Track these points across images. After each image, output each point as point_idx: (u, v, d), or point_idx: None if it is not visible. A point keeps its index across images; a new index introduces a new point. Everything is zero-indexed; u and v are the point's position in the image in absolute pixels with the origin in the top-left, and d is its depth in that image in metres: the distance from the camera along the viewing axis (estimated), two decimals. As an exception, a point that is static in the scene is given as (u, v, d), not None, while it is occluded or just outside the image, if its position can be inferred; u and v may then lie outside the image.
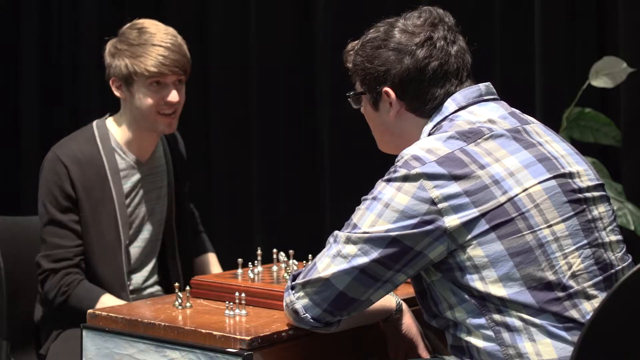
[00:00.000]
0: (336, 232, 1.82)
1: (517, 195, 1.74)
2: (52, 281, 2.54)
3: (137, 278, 2.70)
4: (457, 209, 1.73)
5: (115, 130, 2.66)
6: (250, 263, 2.25)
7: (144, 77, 2.55)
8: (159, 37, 2.57)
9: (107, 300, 2.51)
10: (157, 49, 2.55)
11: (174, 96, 2.58)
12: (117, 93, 2.63)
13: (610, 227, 1.83)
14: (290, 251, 2.32)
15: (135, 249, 2.68)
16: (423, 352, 2.03)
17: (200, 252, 2.93)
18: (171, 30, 2.63)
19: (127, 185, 2.65)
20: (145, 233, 2.70)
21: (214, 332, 1.87)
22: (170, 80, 2.58)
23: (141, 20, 2.65)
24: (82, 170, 2.58)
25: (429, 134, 1.87)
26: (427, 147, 1.79)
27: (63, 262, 2.55)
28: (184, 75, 2.61)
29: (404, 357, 2.04)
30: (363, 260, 1.76)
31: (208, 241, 2.97)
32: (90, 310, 2.07)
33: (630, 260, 1.87)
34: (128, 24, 2.65)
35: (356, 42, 2.00)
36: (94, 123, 2.68)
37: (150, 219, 2.70)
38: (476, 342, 1.75)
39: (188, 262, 2.82)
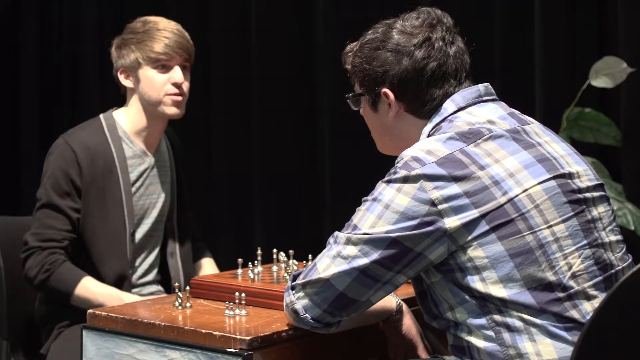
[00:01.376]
0: (336, 232, 1.82)
1: (517, 196, 1.74)
2: (36, 259, 2.56)
3: (137, 271, 2.71)
4: (457, 210, 1.73)
5: (122, 120, 2.70)
6: (250, 263, 2.25)
7: (150, 60, 2.62)
8: (162, 25, 2.66)
9: (89, 283, 2.53)
10: (162, 32, 2.64)
11: (179, 77, 2.64)
12: (125, 83, 2.68)
13: (610, 227, 1.83)
14: (290, 251, 2.32)
15: (138, 241, 2.68)
16: (423, 353, 2.03)
17: (197, 257, 2.92)
18: (174, 22, 2.71)
19: (133, 174, 2.68)
20: (147, 224, 2.71)
21: (214, 332, 1.87)
22: (175, 62, 2.64)
23: (145, 17, 2.72)
24: (90, 157, 2.61)
25: (429, 135, 1.87)
26: (427, 148, 1.79)
27: (50, 242, 2.57)
28: (189, 60, 2.68)
29: (404, 358, 2.04)
30: (363, 261, 1.76)
31: (206, 248, 2.97)
32: (90, 310, 2.07)
33: (630, 260, 1.87)
34: (132, 21, 2.72)
35: (355, 43, 2.00)
36: (101, 115, 2.72)
37: (152, 211, 2.72)
38: (477, 342, 1.75)
39: (188, 260, 2.82)
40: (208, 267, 2.90)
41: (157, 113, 2.67)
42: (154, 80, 2.64)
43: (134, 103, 2.69)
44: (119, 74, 2.68)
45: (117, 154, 2.65)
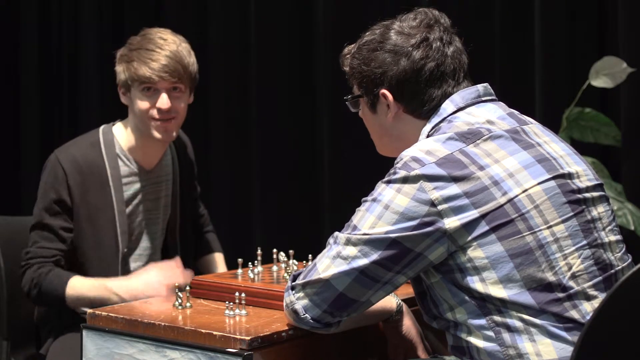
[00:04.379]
0: (336, 233, 1.82)
1: (516, 196, 1.74)
2: (27, 275, 2.53)
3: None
4: (457, 211, 1.73)
5: (120, 136, 2.65)
6: (250, 263, 2.25)
7: (136, 82, 2.54)
8: (157, 43, 2.55)
9: (75, 282, 2.50)
10: (152, 54, 2.53)
11: (162, 102, 2.54)
12: (122, 100, 2.62)
13: (609, 227, 1.83)
14: (290, 251, 2.32)
15: (135, 257, 2.66)
16: (422, 353, 2.03)
17: (206, 251, 2.92)
18: (173, 37, 2.59)
19: (128, 193, 2.63)
20: (146, 242, 2.68)
21: (214, 332, 1.87)
22: (161, 86, 2.54)
23: (150, 28, 2.63)
24: (81, 176, 2.57)
25: (428, 136, 1.87)
26: (427, 148, 1.79)
27: (39, 258, 2.54)
28: (181, 82, 2.56)
29: (404, 358, 2.04)
30: (363, 261, 1.76)
31: (216, 241, 2.95)
32: (90, 310, 2.08)
33: (630, 260, 1.87)
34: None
35: (352, 45, 2.00)
36: (101, 128, 2.67)
37: (150, 228, 2.68)
38: (476, 342, 1.75)
39: (190, 272, 2.80)
40: (216, 263, 2.89)
41: (147, 134, 2.59)
42: (140, 103, 2.55)
43: (131, 120, 2.63)
44: (118, 88, 2.62)
45: (111, 172, 2.60)
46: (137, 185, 2.65)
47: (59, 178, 2.56)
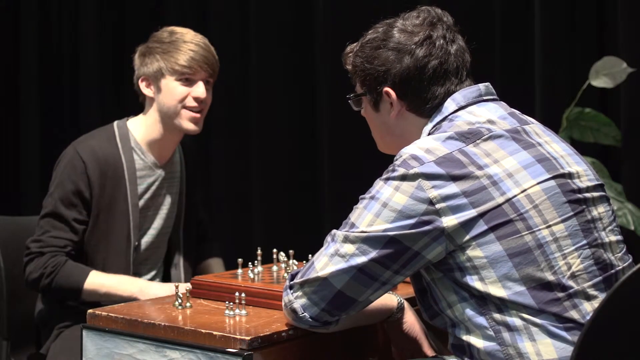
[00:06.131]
0: (334, 231, 1.82)
1: (515, 196, 1.74)
2: (37, 263, 2.54)
3: (141, 280, 2.71)
4: (455, 210, 1.73)
5: (136, 130, 2.68)
6: (250, 263, 2.25)
7: (174, 72, 2.60)
8: (189, 37, 2.64)
9: (97, 274, 2.52)
10: (188, 45, 2.61)
11: (201, 92, 2.62)
12: (145, 92, 2.66)
13: (610, 227, 1.83)
14: (290, 251, 2.33)
15: (143, 250, 2.67)
16: (428, 350, 2.02)
17: (205, 256, 2.92)
18: (200, 35, 2.69)
19: (142, 186, 2.66)
20: (151, 235, 2.70)
21: (214, 332, 1.87)
22: (199, 77, 2.62)
23: (171, 27, 2.70)
24: (100, 167, 2.59)
25: (429, 134, 1.87)
26: (426, 146, 1.79)
27: (51, 247, 2.55)
28: (213, 76, 2.66)
29: (410, 357, 2.03)
30: (361, 259, 1.76)
31: (217, 248, 2.96)
32: (90, 310, 2.08)
33: (630, 260, 1.87)
34: (159, 30, 2.70)
35: (355, 44, 2.00)
36: (115, 123, 2.70)
37: (158, 222, 2.70)
38: (476, 341, 1.75)
39: (191, 271, 2.81)
40: (215, 267, 2.90)
41: (174, 125, 2.64)
42: (175, 91, 2.61)
43: (151, 113, 2.67)
44: (140, 81, 2.66)
45: (127, 165, 2.63)
46: (151, 179, 2.68)
47: (78, 169, 2.57)
